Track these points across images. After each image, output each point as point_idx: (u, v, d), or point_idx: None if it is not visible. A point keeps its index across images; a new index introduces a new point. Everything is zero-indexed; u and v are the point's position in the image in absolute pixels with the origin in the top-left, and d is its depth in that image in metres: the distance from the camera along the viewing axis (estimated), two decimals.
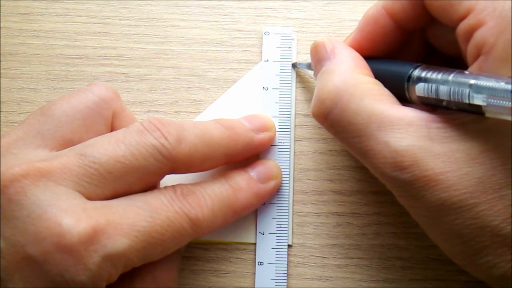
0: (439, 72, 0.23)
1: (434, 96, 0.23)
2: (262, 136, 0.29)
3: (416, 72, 0.24)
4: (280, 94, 0.31)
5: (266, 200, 0.30)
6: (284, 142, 0.31)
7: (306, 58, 0.31)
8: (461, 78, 0.22)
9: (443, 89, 0.22)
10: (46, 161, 0.24)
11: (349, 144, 0.25)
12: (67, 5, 0.33)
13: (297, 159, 0.31)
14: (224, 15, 0.33)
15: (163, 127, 0.25)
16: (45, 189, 0.23)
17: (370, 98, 0.24)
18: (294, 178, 0.31)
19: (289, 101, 0.31)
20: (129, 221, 0.23)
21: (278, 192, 0.30)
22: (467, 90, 0.21)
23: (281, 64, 0.32)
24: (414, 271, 0.30)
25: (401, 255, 0.30)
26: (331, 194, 0.31)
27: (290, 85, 0.32)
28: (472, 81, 0.21)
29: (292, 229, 0.30)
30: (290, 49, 0.32)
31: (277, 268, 0.30)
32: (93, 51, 0.33)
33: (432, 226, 0.24)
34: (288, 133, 0.31)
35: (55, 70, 0.32)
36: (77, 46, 0.33)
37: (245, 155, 0.29)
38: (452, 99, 0.22)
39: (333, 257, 0.30)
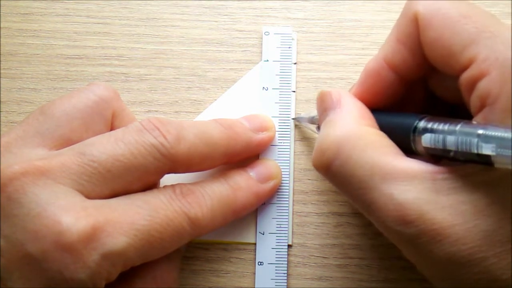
0: (445, 123, 0.22)
1: (441, 147, 0.22)
2: (262, 136, 0.29)
3: (422, 123, 0.23)
4: (280, 94, 0.31)
5: (266, 200, 0.30)
6: (284, 142, 0.31)
7: (307, 111, 0.31)
8: (468, 128, 0.21)
9: (451, 139, 0.22)
10: (45, 159, 0.24)
11: (352, 196, 0.24)
12: (67, 5, 0.33)
13: (297, 159, 0.31)
14: (224, 15, 0.33)
15: (162, 126, 0.25)
16: (44, 187, 0.23)
17: (374, 149, 0.24)
18: (294, 178, 0.31)
19: (289, 101, 0.31)
20: (128, 219, 0.23)
21: (278, 192, 0.30)
22: (475, 140, 0.21)
23: (281, 64, 0.32)
24: (414, 271, 0.30)
25: (401, 255, 0.30)
26: (331, 194, 0.31)
27: (290, 85, 0.32)
28: (480, 131, 0.21)
29: (292, 229, 0.30)
30: (290, 49, 0.32)
31: (277, 268, 0.30)
32: (93, 51, 0.33)
33: (440, 280, 0.23)
34: (288, 133, 0.31)
35: (55, 70, 0.32)
36: (77, 46, 0.33)
37: (245, 155, 0.29)
38: (460, 149, 0.21)
39: (333, 257, 0.30)
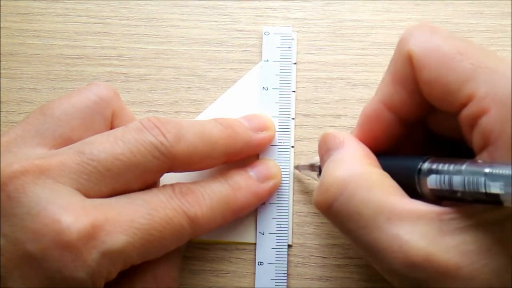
0: (450, 163, 0.22)
1: (447, 188, 0.22)
2: (262, 135, 0.29)
3: (426, 165, 0.23)
4: (280, 94, 0.31)
5: (266, 200, 0.30)
6: (284, 142, 0.31)
7: (306, 157, 0.31)
8: (475, 168, 0.21)
9: (457, 179, 0.21)
10: (45, 158, 0.24)
11: (355, 236, 0.23)
12: (67, 5, 0.33)
13: (297, 159, 0.31)
14: (224, 15, 0.33)
15: (162, 125, 0.25)
16: (44, 186, 0.23)
17: (379, 189, 0.23)
18: (294, 178, 0.31)
19: (289, 101, 0.31)
20: (128, 218, 0.23)
21: (278, 192, 0.30)
22: (483, 179, 0.20)
23: (281, 64, 0.32)
24: None
25: None
26: None
27: (290, 85, 0.32)
28: (487, 170, 0.20)
29: (292, 229, 0.30)
30: (290, 49, 0.32)
31: (277, 268, 0.30)
32: (93, 51, 0.33)
33: None
34: (288, 133, 0.31)
35: (55, 70, 0.32)
36: (77, 46, 0.33)
37: (245, 154, 0.29)
38: (467, 189, 0.21)
39: (333, 257, 0.30)
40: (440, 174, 0.22)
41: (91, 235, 0.22)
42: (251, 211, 0.30)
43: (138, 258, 0.24)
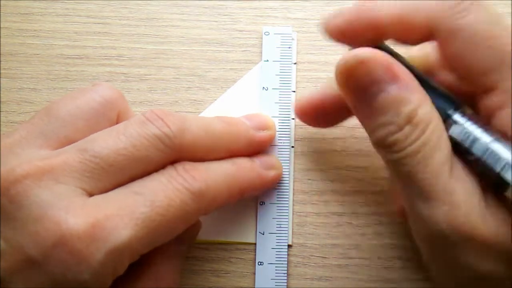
0: (479, 125, 0.22)
1: (467, 146, 0.22)
2: (263, 134, 0.29)
3: (456, 116, 0.23)
4: (280, 94, 0.31)
5: (268, 188, 0.30)
6: (284, 142, 0.31)
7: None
8: (501, 146, 0.21)
9: (479, 146, 0.22)
10: (47, 159, 0.23)
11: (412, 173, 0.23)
12: (67, 5, 0.33)
13: (297, 159, 0.31)
14: (224, 15, 0.33)
15: (165, 116, 0.25)
16: (46, 188, 0.23)
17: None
18: (294, 178, 0.31)
19: (289, 101, 0.31)
20: (128, 210, 0.23)
21: (278, 192, 0.30)
22: (504, 162, 0.21)
23: (281, 64, 0.32)
24: (414, 271, 0.30)
25: (401, 255, 0.30)
26: (331, 194, 0.31)
27: (290, 85, 0.32)
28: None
29: (292, 229, 0.30)
30: (290, 49, 0.32)
31: (277, 268, 0.30)
32: (93, 51, 0.33)
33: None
34: (288, 133, 0.31)
35: (55, 70, 0.32)
36: (77, 46, 0.33)
37: (246, 153, 0.29)
38: (483, 159, 0.21)
39: (333, 257, 0.30)
40: (466, 132, 0.22)
41: (92, 236, 0.22)
42: (254, 194, 0.30)
43: (145, 248, 0.23)
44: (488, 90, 0.22)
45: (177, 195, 0.24)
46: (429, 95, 0.23)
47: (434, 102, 0.23)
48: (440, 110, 0.23)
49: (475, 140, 0.22)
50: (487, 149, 0.21)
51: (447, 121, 0.23)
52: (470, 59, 0.22)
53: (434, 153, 0.22)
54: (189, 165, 0.25)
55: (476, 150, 0.22)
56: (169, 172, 0.25)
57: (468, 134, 0.22)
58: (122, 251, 0.22)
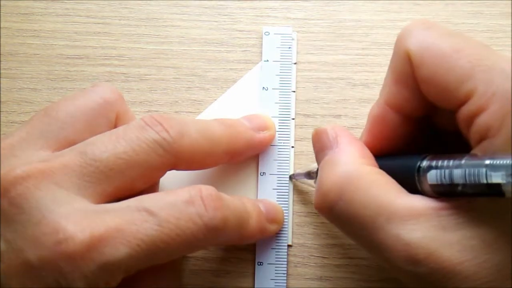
0: (449, 159, 0.22)
1: (448, 182, 0.22)
2: (263, 135, 0.29)
3: (425, 162, 0.23)
4: (280, 94, 0.31)
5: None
6: (284, 142, 0.31)
7: (302, 166, 0.30)
8: (474, 160, 0.21)
9: (458, 172, 0.21)
10: (47, 161, 0.23)
11: (357, 237, 0.24)
12: (67, 5, 0.33)
13: (297, 159, 0.31)
14: (224, 15, 0.33)
15: (164, 121, 0.25)
16: (46, 191, 0.23)
17: (376, 188, 0.23)
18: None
19: (289, 101, 0.31)
20: (133, 228, 0.22)
21: (278, 192, 0.30)
22: (484, 170, 0.20)
23: (281, 64, 0.32)
24: None
25: None
26: None
27: (290, 85, 0.32)
28: (487, 161, 0.20)
29: (292, 229, 0.30)
30: (290, 49, 0.32)
31: (277, 268, 0.30)
32: (93, 51, 0.33)
33: None
34: (288, 133, 0.31)
35: (55, 70, 0.32)
36: (77, 46, 0.33)
37: (246, 154, 0.29)
38: (468, 181, 0.21)
39: (333, 257, 0.30)
40: (440, 169, 0.22)
41: (89, 246, 0.22)
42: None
43: (143, 266, 0.23)
44: (465, 100, 0.22)
45: (189, 227, 0.23)
46: (395, 161, 0.25)
47: (403, 164, 0.24)
48: (410, 167, 0.23)
49: (451, 171, 0.22)
50: (465, 170, 0.21)
51: (422, 175, 0.23)
52: (443, 76, 0.22)
53: None
54: (214, 194, 0.24)
55: (458, 178, 0.21)
56: (191, 195, 0.24)
57: (442, 171, 0.22)
58: (116, 267, 0.22)
